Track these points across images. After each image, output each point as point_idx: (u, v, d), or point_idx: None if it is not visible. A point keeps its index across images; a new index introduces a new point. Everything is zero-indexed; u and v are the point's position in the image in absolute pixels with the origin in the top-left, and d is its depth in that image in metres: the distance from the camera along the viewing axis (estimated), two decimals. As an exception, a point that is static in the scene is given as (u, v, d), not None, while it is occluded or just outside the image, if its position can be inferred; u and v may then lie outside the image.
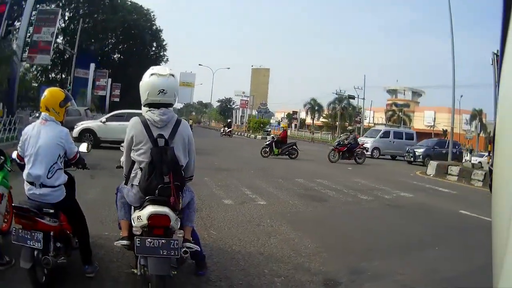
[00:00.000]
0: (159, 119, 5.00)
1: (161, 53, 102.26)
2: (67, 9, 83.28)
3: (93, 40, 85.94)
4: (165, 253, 4.56)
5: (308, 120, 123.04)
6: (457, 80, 30.97)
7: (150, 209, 4.68)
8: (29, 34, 44.22)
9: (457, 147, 37.82)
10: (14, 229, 5.03)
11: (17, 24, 53.76)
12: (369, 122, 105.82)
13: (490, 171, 2.20)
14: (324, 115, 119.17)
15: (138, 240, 4.58)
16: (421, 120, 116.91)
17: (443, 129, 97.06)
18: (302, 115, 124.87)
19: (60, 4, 78.07)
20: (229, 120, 33.61)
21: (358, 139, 32.83)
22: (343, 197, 14.59)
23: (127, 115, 24.09)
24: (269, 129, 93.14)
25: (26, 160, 5.40)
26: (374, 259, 8.09)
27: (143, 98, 5.14)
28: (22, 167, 5.57)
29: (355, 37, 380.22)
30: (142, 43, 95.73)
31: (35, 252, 4.93)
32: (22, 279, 5.12)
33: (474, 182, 22.60)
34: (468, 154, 50.24)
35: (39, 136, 5.37)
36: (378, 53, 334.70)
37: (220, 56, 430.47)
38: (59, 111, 5.63)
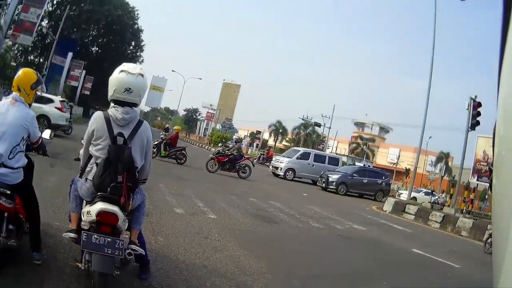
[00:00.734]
0: (121, 117, 5.07)
1: (138, 53, 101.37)
2: None
3: (75, 29, 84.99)
4: (109, 252, 4.61)
5: (271, 142, 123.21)
6: (428, 121, 31.23)
7: (100, 205, 4.74)
8: (17, 12, 43.99)
9: (383, 178, 37.18)
10: None
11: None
12: (331, 151, 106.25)
13: (490, 171, 2.31)
14: (287, 138, 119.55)
15: (85, 235, 4.62)
16: (385, 156, 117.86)
17: (406, 167, 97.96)
18: (266, 136, 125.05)
19: None
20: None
21: (242, 151, 31.92)
22: (295, 222, 14.67)
23: None
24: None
25: None
26: (318, 285, 8.23)
27: (110, 93, 5.21)
28: None
29: (329, 65, 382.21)
30: (121, 40, 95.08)
31: None
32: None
33: (432, 223, 22.87)
34: (431, 196, 50.82)
35: (7, 115, 5.38)
36: (351, 84, 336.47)
37: (193, 67, 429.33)
38: (29, 93, 5.69)
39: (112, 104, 5.25)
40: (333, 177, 34.52)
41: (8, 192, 5.24)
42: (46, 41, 75.91)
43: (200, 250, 8.66)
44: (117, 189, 4.85)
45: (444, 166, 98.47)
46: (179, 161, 28.63)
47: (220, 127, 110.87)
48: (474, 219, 21.86)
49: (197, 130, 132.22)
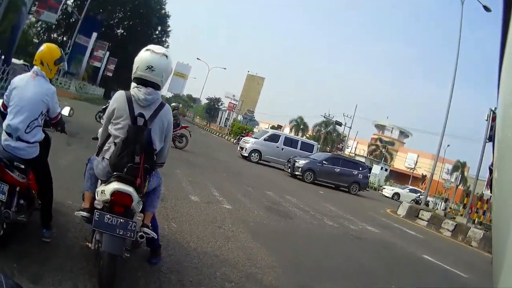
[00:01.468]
0: (144, 98, 4.99)
1: (164, 39, 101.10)
2: None
3: (101, 10, 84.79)
4: (121, 233, 4.56)
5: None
6: (448, 129, 31.00)
7: (115, 185, 4.67)
8: None
9: (360, 169, 34.01)
10: None
11: None
12: (350, 152, 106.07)
13: (490, 170, 2.23)
14: (307, 135, 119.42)
15: (97, 214, 4.57)
16: (402, 161, 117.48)
17: (422, 173, 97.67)
18: (286, 130, 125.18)
19: None
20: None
21: (181, 120, 29.01)
22: (309, 219, 14.60)
23: None
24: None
25: (8, 110, 5.36)
26: (327, 284, 8.14)
27: (133, 71, 5.16)
28: (4, 116, 5.52)
29: (355, 66, 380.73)
30: (147, 24, 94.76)
31: None
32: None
33: (443, 231, 22.79)
34: (443, 203, 50.54)
35: (26, 88, 5.32)
36: (374, 86, 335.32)
37: (219, 56, 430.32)
38: (52, 68, 5.62)
39: (134, 84, 5.17)
40: (300, 162, 31.70)
41: (22, 166, 5.23)
42: (71, 20, 76.13)
43: (212, 239, 8.61)
44: (134, 170, 4.79)
45: (460, 175, 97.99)
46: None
47: (242, 118, 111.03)
48: (485, 230, 21.67)
49: (218, 119, 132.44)
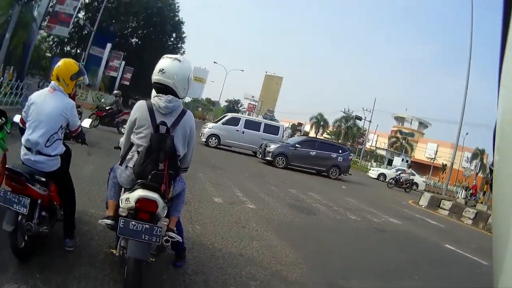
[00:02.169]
0: (164, 106, 5.01)
1: (179, 45, 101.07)
2: None
3: (114, 21, 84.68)
4: (146, 238, 4.58)
5: (312, 134, 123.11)
6: (465, 118, 30.68)
7: (139, 192, 4.70)
8: (52, 4, 43.83)
9: (340, 151, 31.65)
10: (3, 190, 5.00)
11: None
12: (371, 145, 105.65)
13: (490, 170, 2.23)
14: (328, 131, 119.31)
15: (122, 221, 4.61)
16: (423, 151, 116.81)
17: (442, 163, 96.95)
18: (307, 128, 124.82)
19: None
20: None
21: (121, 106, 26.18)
22: (332, 214, 14.58)
23: None
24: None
25: (27, 125, 5.38)
26: (352, 278, 8.12)
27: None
28: (23, 131, 5.56)
29: (372, 60, 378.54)
30: (161, 32, 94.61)
31: (19, 217, 4.95)
32: (1, 241, 5.12)
33: (465, 219, 22.63)
34: (463, 191, 50.03)
35: (44, 103, 5.36)
36: (391, 78, 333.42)
37: (236, 58, 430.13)
38: (69, 84, 5.63)
39: (154, 93, 5.23)
40: (271, 147, 30.08)
41: (43, 179, 5.26)
42: (83, 32, 76.12)
43: (237, 239, 8.64)
44: (158, 177, 4.82)
45: (479, 162, 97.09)
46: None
47: (262, 118, 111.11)
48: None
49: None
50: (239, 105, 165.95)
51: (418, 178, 52.37)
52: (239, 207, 12.07)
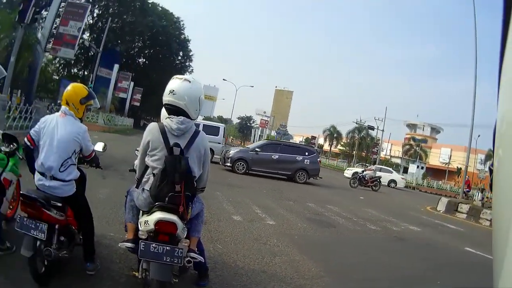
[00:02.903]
0: (176, 127, 4.98)
1: (187, 63, 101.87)
2: (96, 6, 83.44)
3: (119, 41, 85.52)
4: (168, 260, 4.55)
5: (326, 147, 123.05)
6: (476, 120, 30.52)
7: (158, 215, 4.68)
8: (55, 25, 44.35)
9: (306, 154, 29.70)
10: (19, 216, 5.02)
11: (44, 13, 53.47)
12: (385, 154, 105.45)
13: (491, 170, 2.20)
14: (342, 143, 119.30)
15: (143, 244, 4.59)
16: (437, 157, 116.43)
17: (457, 166, 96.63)
18: (321, 141, 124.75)
19: (90, 0, 77.94)
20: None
21: None
22: (352, 225, 14.51)
23: None
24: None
25: (40, 149, 5.39)
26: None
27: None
28: (29, 151, 5.61)
29: (381, 68, 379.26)
30: (168, 51, 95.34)
31: (38, 242, 4.95)
32: (21, 266, 5.14)
33: (482, 221, 22.53)
34: (479, 193, 49.81)
35: (57, 128, 5.37)
36: (401, 86, 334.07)
37: (245, 74, 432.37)
38: (79, 108, 5.63)
39: (165, 114, 5.22)
40: (230, 152, 29.50)
41: (59, 204, 5.26)
42: (90, 54, 76.71)
43: (259, 256, 8.58)
44: (175, 199, 4.77)
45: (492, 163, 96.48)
46: None
47: (275, 133, 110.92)
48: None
49: (252, 137, 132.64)
50: (251, 122, 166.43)
51: (396, 175, 52.23)
52: (259, 223, 12.03)
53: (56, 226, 5.17)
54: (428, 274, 9.94)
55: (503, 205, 1.84)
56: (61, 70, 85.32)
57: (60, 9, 43.80)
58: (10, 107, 21.31)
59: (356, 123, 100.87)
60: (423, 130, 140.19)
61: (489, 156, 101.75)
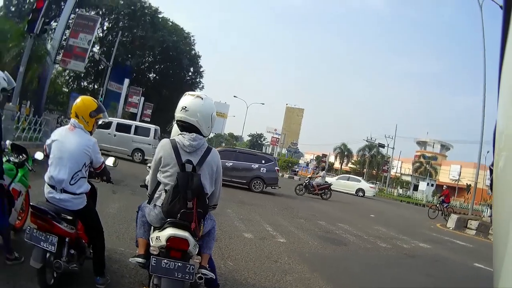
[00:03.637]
0: (189, 144, 4.99)
1: (197, 79, 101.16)
2: (106, 19, 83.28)
3: (129, 55, 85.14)
4: (179, 276, 4.56)
5: (337, 165, 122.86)
6: (486, 136, 30.44)
7: (170, 231, 4.68)
8: (65, 37, 44.24)
9: (263, 161, 29.01)
10: (28, 228, 5.04)
11: (53, 24, 53.37)
12: (396, 172, 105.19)
13: (491, 171, 2.20)
14: (353, 161, 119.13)
15: (154, 260, 4.59)
16: (447, 174, 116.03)
17: (467, 183, 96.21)
18: (331, 159, 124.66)
19: (100, 12, 77.89)
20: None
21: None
22: (363, 243, 14.47)
23: None
24: (296, 169, 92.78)
25: (49, 162, 5.43)
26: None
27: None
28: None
29: (390, 86, 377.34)
30: (179, 66, 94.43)
31: (47, 254, 4.99)
32: (29, 277, 5.20)
33: (491, 236, 22.23)
34: (489, 209, 49.67)
35: (66, 141, 5.41)
36: (411, 104, 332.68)
37: (256, 91, 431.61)
38: (89, 121, 5.66)
39: (177, 130, 5.26)
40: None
41: (70, 217, 5.27)
42: (100, 67, 76.37)
43: (270, 273, 8.54)
44: (187, 215, 4.77)
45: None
46: None
47: (286, 151, 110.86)
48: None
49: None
50: (262, 139, 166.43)
51: (364, 184, 52.32)
52: (270, 241, 11.98)
53: (67, 239, 5.20)
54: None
55: (503, 205, 1.85)
56: (71, 83, 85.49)
57: (69, 21, 43.94)
58: (19, 118, 21.28)
59: (367, 140, 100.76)
60: (433, 147, 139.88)
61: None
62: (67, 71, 74.80)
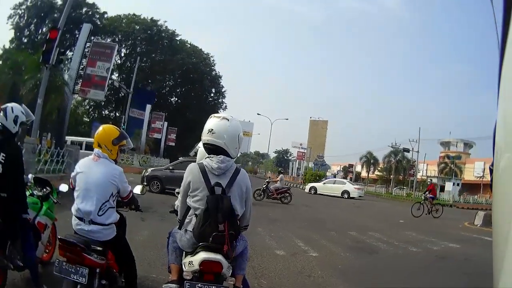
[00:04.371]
0: (217, 167, 4.96)
1: (220, 100, 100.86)
2: (123, 45, 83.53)
3: (149, 81, 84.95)
4: None
5: (364, 174, 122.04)
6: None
7: (203, 255, 4.69)
8: (82, 66, 43.66)
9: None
10: (57, 260, 5.02)
11: (69, 53, 52.92)
12: (422, 175, 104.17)
13: (491, 171, 2.25)
14: (379, 168, 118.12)
15: (188, 285, 4.60)
16: (471, 172, 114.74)
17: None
18: (358, 168, 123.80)
19: (116, 39, 77.87)
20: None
21: None
22: (393, 250, 14.46)
23: None
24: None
25: (75, 194, 5.38)
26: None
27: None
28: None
29: (410, 89, 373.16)
30: (200, 88, 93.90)
31: (78, 286, 4.97)
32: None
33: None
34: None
35: (91, 172, 5.36)
36: (431, 105, 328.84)
37: (279, 107, 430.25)
38: (112, 149, 5.61)
39: (203, 154, 5.29)
40: (148, 170, 28.66)
41: (100, 248, 5.23)
42: (120, 95, 76.12)
43: (304, 289, 8.50)
44: (219, 238, 4.76)
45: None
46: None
47: (313, 165, 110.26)
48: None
49: (290, 170, 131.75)
50: (288, 155, 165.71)
51: (349, 186, 52.31)
52: (302, 256, 11.98)
53: (97, 270, 5.15)
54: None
55: (503, 205, 1.90)
56: (92, 112, 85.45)
57: (86, 50, 43.31)
58: (40, 150, 21.22)
59: (392, 146, 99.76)
60: (456, 146, 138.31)
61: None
62: (87, 101, 74.46)
